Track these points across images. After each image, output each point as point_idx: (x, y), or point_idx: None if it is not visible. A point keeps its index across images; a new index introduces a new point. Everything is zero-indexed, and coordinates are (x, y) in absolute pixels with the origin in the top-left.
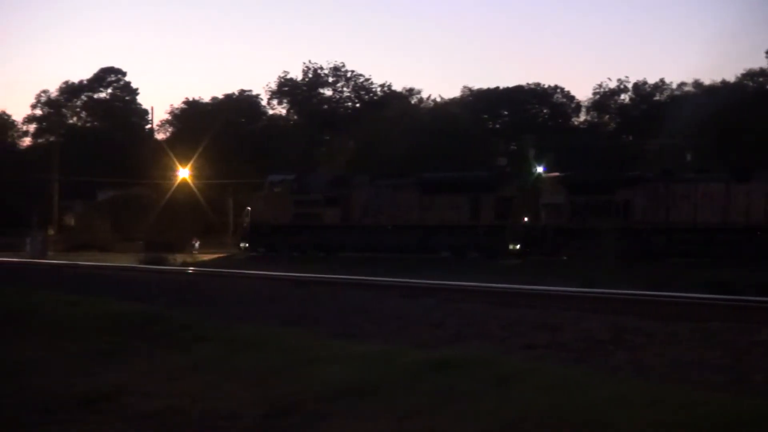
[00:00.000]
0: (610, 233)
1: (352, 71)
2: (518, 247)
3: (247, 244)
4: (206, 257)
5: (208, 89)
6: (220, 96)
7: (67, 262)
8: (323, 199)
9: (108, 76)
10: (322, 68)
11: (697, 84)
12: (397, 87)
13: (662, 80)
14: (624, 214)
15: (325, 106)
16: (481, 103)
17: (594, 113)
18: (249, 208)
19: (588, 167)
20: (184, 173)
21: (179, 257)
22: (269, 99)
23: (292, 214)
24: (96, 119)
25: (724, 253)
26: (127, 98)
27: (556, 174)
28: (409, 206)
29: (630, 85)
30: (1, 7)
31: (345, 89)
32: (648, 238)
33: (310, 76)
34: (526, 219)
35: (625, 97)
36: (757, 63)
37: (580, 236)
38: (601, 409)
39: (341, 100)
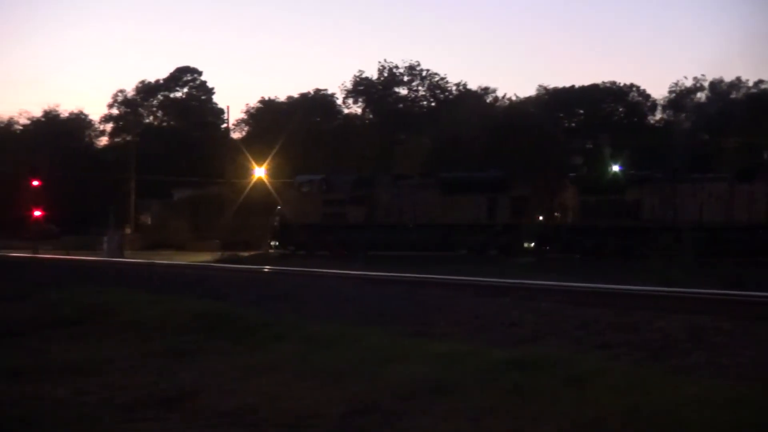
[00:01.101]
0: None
1: (428, 70)
2: (533, 245)
3: (276, 243)
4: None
5: (284, 88)
6: (296, 95)
7: (144, 261)
8: (348, 198)
9: (184, 75)
10: (397, 67)
11: None
12: (473, 86)
13: (738, 78)
14: (634, 213)
15: (401, 105)
16: (557, 102)
17: (670, 112)
18: (278, 207)
19: (662, 166)
20: (259, 172)
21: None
22: (344, 98)
23: (320, 213)
24: (172, 118)
25: (728, 251)
26: (203, 97)
27: (571, 174)
28: (429, 205)
29: (706, 84)
30: (77, 8)
31: (420, 88)
32: (656, 237)
33: (386, 75)
34: (540, 218)
35: (701, 96)
36: None
37: (592, 235)
38: (678, 409)
39: (416, 99)
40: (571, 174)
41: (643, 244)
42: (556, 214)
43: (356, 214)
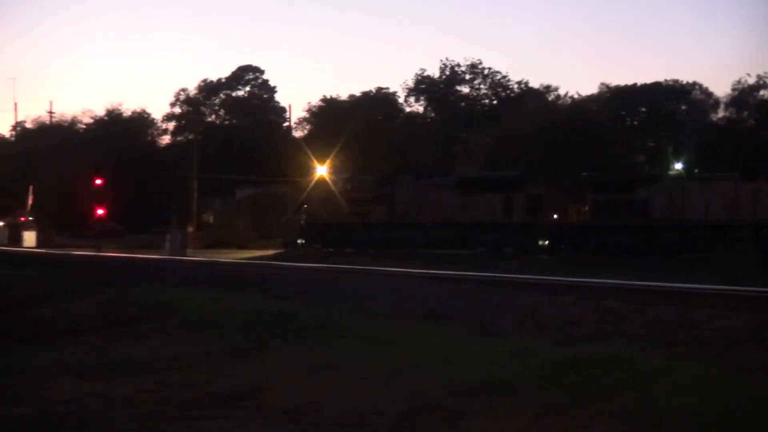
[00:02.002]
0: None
1: (489, 68)
2: (547, 243)
3: (303, 241)
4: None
5: (346, 87)
6: (358, 94)
7: (206, 259)
8: (372, 197)
9: (246, 74)
10: (459, 65)
11: None
12: (534, 84)
13: None
14: (643, 211)
15: (462, 104)
16: (619, 100)
17: (732, 109)
18: (305, 206)
19: (726, 164)
20: (321, 171)
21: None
22: (406, 96)
23: (344, 212)
24: (234, 117)
25: (733, 249)
26: (264, 96)
27: (584, 174)
28: (448, 204)
29: None
30: (140, 8)
31: (482, 87)
32: (663, 235)
33: (447, 73)
34: (555, 216)
35: (764, 93)
36: None
37: (603, 233)
38: (741, 408)
39: (478, 98)
40: (584, 173)
41: (652, 242)
42: (569, 212)
43: (378, 213)
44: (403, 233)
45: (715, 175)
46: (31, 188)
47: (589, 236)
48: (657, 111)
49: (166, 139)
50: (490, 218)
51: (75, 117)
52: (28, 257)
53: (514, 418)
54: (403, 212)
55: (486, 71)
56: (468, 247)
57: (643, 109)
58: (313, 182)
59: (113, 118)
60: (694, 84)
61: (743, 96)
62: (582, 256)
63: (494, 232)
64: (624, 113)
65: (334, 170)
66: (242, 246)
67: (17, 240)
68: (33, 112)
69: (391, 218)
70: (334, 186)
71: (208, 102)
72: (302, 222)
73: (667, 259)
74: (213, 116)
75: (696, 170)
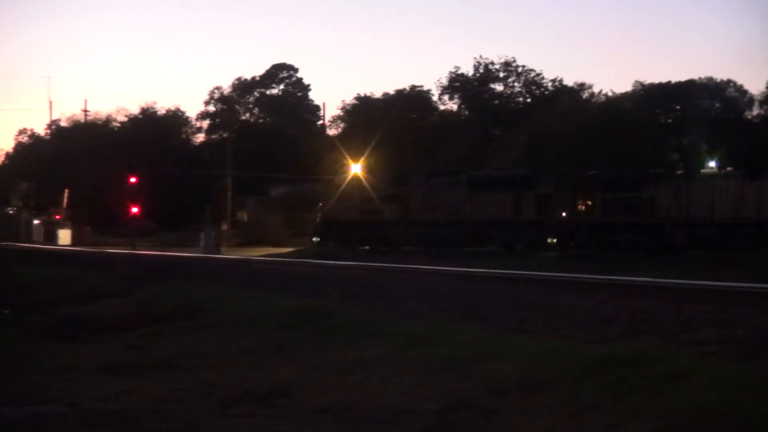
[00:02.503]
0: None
1: (523, 66)
2: (555, 240)
3: (318, 239)
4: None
5: (380, 85)
6: (392, 92)
7: (240, 257)
8: (384, 196)
9: (280, 72)
10: (493, 63)
11: None
12: (569, 82)
13: None
14: (650, 209)
15: (496, 102)
16: (653, 98)
17: (767, 107)
18: (320, 204)
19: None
20: (355, 169)
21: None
22: (440, 94)
23: (358, 210)
24: (268, 115)
25: (738, 246)
26: (299, 94)
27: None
28: (460, 202)
29: None
30: (175, 7)
31: (516, 84)
32: (670, 233)
33: (481, 71)
34: (563, 214)
35: None
36: None
37: (611, 230)
38: None
39: (512, 95)
40: (592, 171)
41: (659, 240)
42: (577, 210)
43: (391, 211)
44: (415, 231)
45: (721, 173)
46: (66, 192)
47: (597, 234)
48: (691, 109)
49: (200, 138)
50: (500, 216)
51: (110, 115)
52: (63, 255)
53: (549, 416)
54: (416, 210)
55: (520, 69)
56: (479, 244)
57: (678, 107)
58: (347, 180)
59: (148, 116)
60: (729, 81)
61: None
62: (590, 253)
63: (504, 229)
64: (658, 111)
65: (367, 169)
66: (276, 244)
67: (52, 238)
68: (68, 110)
69: (403, 216)
70: (346, 185)
71: (242, 100)
72: (317, 220)
73: (676, 257)
74: (247, 114)
75: (729, 168)
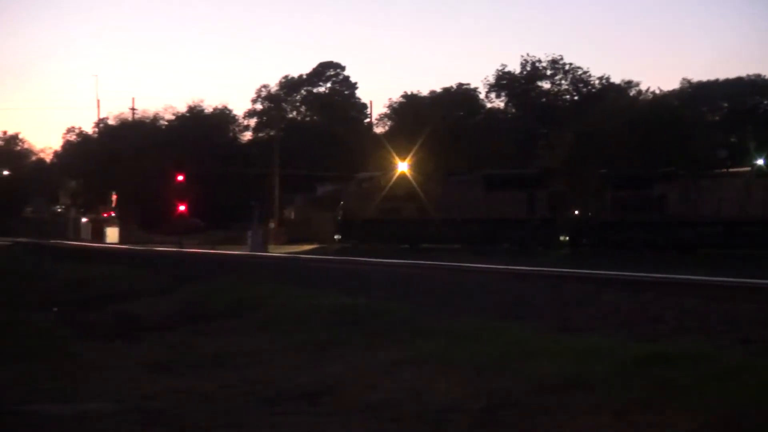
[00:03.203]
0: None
1: (570, 64)
2: (567, 238)
3: (339, 236)
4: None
5: (427, 83)
6: (439, 90)
7: (287, 254)
8: (404, 194)
9: (327, 70)
10: (540, 61)
11: None
12: (616, 79)
13: None
14: (660, 207)
15: (543, 99)
16: (700, 95)
17: None
18: (342, 202)
19: None
20: (402, 167)
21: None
22: (487, 92)
23: (378, 208)
24: (315, 113)
25: (745, 244)
26: (346, 92)
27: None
28: (475, 201)
29: None
30: (222, 5)
31: (563, 82)
32: (678, 231)
33: (528, 69)
34: (576, 212)
35: None
36: None
37: (621, 228)
38: None
39: (559, 93)
40: (603, 170)
41: (668, 238)
42: (590, 208)
43: (409, 209)
44: (432, 229)
45: (728, 171)
46: (114, 190)
47: (608, 232)
48: (739, 106)
49: (247, 136)
50: (514, 214)
51: (157, 113)
52: (111, 253)
53: (596, 414)
54: (433, 209)
55: (567, 67)
56: (494, 242)
57: (725, 105)
58: (395, 178)
59: (195, 114)
60: None
61: None
62: (601, 251)
63: (518, 228)
64: (705, 109)
65: (414, 167)
66: (323, 241)
67: (100, 236)
68: (115, 109)
69: (421, 214)
70: (363, 185)
71: (289, 98)
72: (339, 218)
73: (686, 254)
74: (294, 112)
75: None
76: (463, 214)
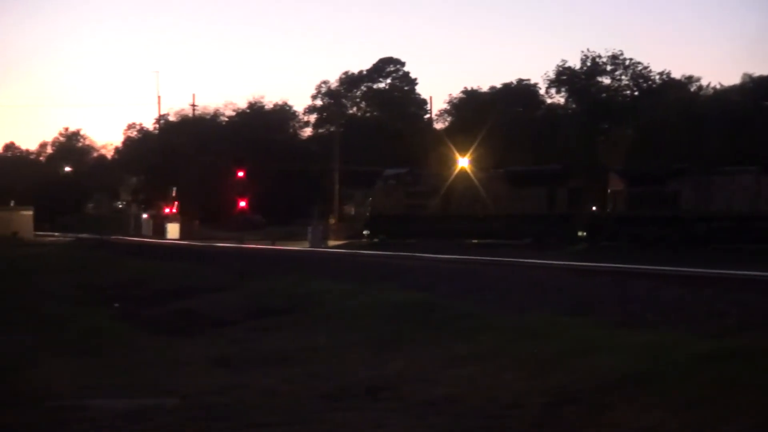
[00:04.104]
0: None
1: (630, 59)
2: (585, 233)
3: (368, 232)
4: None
5: (487, 78)
6: (499, 85)
7: (346, 251)
8: (429, 191)
9: (387, 66)
10: (600, 56)
11: None
12: (676, 75)
13: None
14: (673, 203)
15: (603, 95)
16: (762, 90)
17: None
18: (370, 198)
19: None
20: (463, 162)
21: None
22: (547, 88)
23: (404, 204)
24: (375, 109)
25: (754, 239)
26: (405, 88)
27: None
28: (497, 197)
29: None
30: (282, 1)
31: (623, 78)
32: (690, 226)
33: (589, 64)
34: (594, 208)
35: None
36: None
37: (636, 224)
38: None
39: (619, 89)
40: (618, 167)
41: (681, 233)
42: (606, 204)
43: (434, 205)
44: (456, 224)
45: (738, 168)
46: (174, 186)
47: (623, 227)
48: None
49: (307, 132)
50: (534, 210)
51: (217, 110)
52: (172, 249)
53: (659, 410)
54: (457, 205)
55: (627, 62)
56: (516, 237)
57: None
58: (455, 174)
59: (255, 110)
60: None
61: None
62: (617, 246)
63: (538, 223)
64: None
65: (474, 163)
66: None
67: (161, 232)
68: (176, 105)
69: (445, 211)
70: (390, 181)
71: (349, 94)
72: (367, 214)
73: (699, 249)
74: (354, 108)
75: None
76: (486, 210)
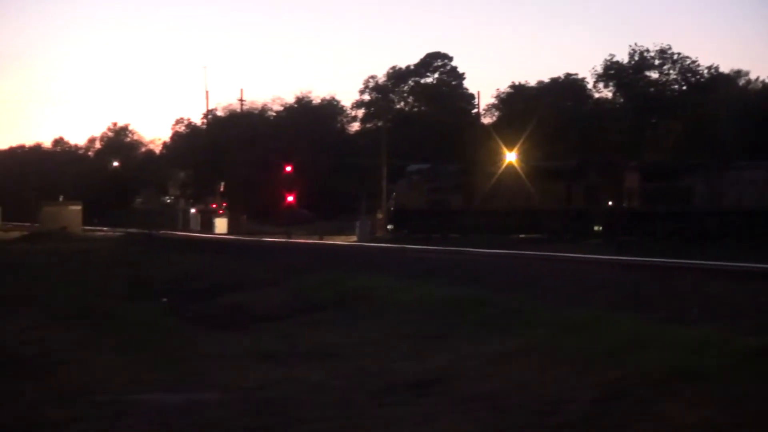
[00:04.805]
0: None
1: (678, 53)
2: (601, 228)
3: (392, 226)
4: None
5: (534, 73)
6: (546, 80)
7: (395, 245)
8: (451, 186)
9: (434, 61)
10: (648, 51)
11: None
12: (725, 69)
13: None
14: (686, 198)
15: (651, 89)
16: None
17: None
18: (395, 193)
19: None
20: (510, 157)
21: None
22: (595, 82)
23: (427, 199)
24: (423, 104)
25: (763, 234)
26: (453, 83)
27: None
28: (517, 192)
29: None
30: None
31: (671, 72)
32: (702, 221)
33: (636, 58)
34: (610, 203)
35: None
36: None
37: (650, 219)
38: None
39: (667, 83)
40: (633, 162)
41: (693, 228)
42: (621, 199)
43: (456, 200)
44: (477, 219)
45: (750, 163)
46: (222, 181)
47: (638, 222)
48: None
49: (355, 126)
50: (553, 205)
51: (265, 104)
52: (220, 244)
53: (707, 405)
54: (479, 200)
55: (675, 56)
56: (535, 231)
57: None
58: (502, 168)
59: (303, 105)
60: None
61: None
62: (632, 240)
63: (556, 218)
64: None
65: (522, 157)
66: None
67: (209, 227)
68: (224, 100)
69: (467, 205)
70: (413, 177)
71: (397, 89)
72: (392, 208)
73: (711, 244)
74: (402, 103)
75: None
76: (507, 205)
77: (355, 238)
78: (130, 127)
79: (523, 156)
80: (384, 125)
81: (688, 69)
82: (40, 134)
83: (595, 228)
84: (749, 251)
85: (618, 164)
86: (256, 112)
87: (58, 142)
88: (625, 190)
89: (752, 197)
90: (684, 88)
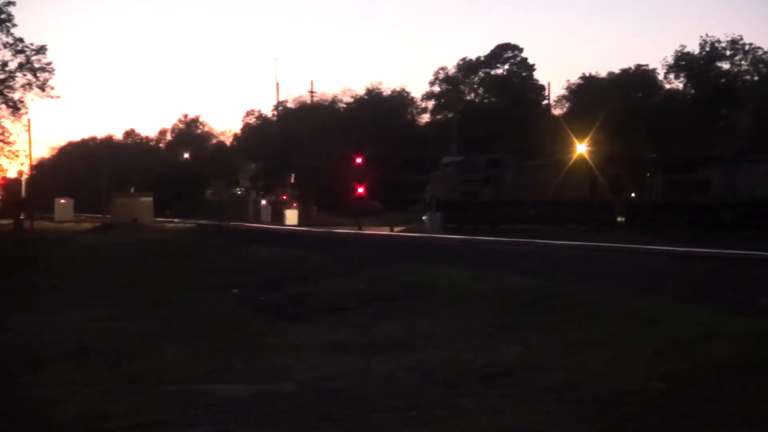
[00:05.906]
0: None
1: (750, 44)
2: (623, 219)
3: (426, 218)
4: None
5: (605, 64)
6: (617, 71)
7: (464, 237)
8: (481, 178)
9: (504, 52)
10: (719, 41)
11: None
12: None
13: None
14: (704, 190)
15: (723, 80)
16: None
17: None
18: (428, 185)
19: None
20: (581, 148)
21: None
22: (665, 74)
23: (459, 191)
24: (493, 95)
25: None
26: (523, 74)
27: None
28: (545, 184)
29: None
30: None
31: (743, 63)
32: (719, 212)
33: (707, 49)
34: (632, 195)
35: None
36: None
37: (669, 210)
38: None
39: (739, 74)
40: (653, 155)
41: (710, 219)
42: (643, 191)
43: (486, 192)
44: (507, 210)
45: (764, 156)
46: (293, 172)
47: (659, 213)
48: None
49: (425, 118)
50: (579, 197)
51: (335, 96)
52: (291, 235)
53: None
54: (508, 192)
55: (747, 47)
56: (560, 223)
57: None
58: (573, 160)
59: (373, 97)
60: None
61: None
62: (653, 231)
63: (580, 209)
64: None
65: (593, 149)
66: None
67: (279, 218)
68: (294, 91)
69: (497, 197)
70: (446, 169)
71: (467, 80)
72: (426, 201)
73: (727, 234)
74: (472, 95)
75: None
76: (535, 197)
77: (425, 229)
78: (200, 119)
79: (596, 147)
80: (454, 116)
81: (759, 60)
82: (111, 126)
83: (618, 219)
84: (764, 241)
85: (642, 156)
86: (327, 103)
87: (130, 134)
88: (648, 181)
89: (765, 189)
90: (756, 78)
